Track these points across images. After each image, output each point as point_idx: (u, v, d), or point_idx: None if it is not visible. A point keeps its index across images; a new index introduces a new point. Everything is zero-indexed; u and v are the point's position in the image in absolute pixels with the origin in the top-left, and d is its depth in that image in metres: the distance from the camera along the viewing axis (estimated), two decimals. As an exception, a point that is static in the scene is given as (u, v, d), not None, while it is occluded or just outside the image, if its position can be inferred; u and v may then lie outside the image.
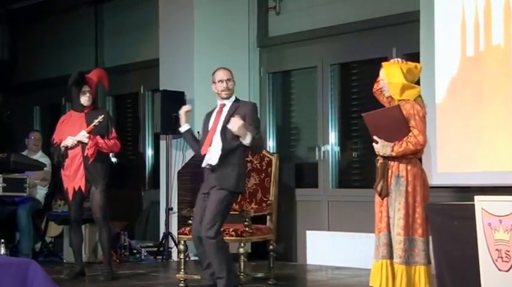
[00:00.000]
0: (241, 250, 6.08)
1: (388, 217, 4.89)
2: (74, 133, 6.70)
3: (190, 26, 8.36)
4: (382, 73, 5.06)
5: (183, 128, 5.85)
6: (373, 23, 7.64)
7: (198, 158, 7.82)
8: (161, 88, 8.41)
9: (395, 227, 4.85)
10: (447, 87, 6.64)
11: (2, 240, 6.06)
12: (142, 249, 8.42)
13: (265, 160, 6.77)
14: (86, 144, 6.66)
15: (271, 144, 8.63)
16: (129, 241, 8.46)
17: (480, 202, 4.39)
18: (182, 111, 5.84)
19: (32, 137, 8.69)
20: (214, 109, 5.81)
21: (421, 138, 4.82)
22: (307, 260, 7.87)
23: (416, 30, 6.95)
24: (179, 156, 8.34)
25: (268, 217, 6.51)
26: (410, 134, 4.82)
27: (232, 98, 5.75)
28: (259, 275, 6.61)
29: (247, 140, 5.48)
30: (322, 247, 7.77)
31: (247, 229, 6.15)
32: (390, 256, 4.91)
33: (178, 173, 8.13)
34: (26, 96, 11.30)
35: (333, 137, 8.04)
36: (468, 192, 6.23)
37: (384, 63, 5.10)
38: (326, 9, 8.10)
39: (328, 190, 8.01)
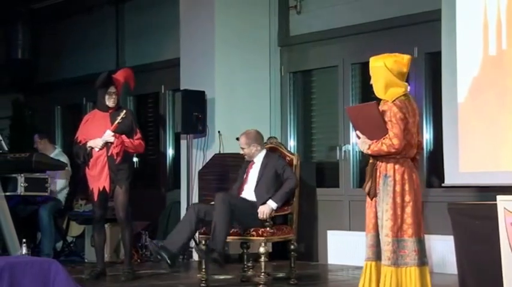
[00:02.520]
0: (263, 250, 6.11)
1: (376, 218, 4.78)
2: (99, 133, 6.71)
3: (211, 26, 8.38)
4: (370, 69, 4.86)
5: None
6: (395, 22, 7.63)
7: (219, 157, 7.90)
8: (182, 88, 8.42)
9: (383, 228, 4.72)
10: (469, 87, 6.60)
11: (24, 240, 6.09)
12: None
13: (286, 160, 6.76)
14: (112, 143, 6.67)
15: (292, 144, 8.63)
16: (150, 241, 8.47)
17: (502, 202, 4.35)
18: None
19: (37, 141, 8.63)
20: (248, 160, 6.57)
21: (395, 141, 4.65)
22: (328, 260, 7.87)
23: (437, 29, 6.92)
24: (200, 156, 8.36)
25: (289, 217, 6.50)
26: (387, 135, 4.69)
27: (261, 155, 6.48)
28: (281, 275, 6.62)
29: (275, 207, 6.26)
30: (343, 247, 7.76)
31: (268, 228, 6.18)
32: (376, 257, 4.78)
33: (199, 172, 8.14)
34: (48, 96, 11.33)
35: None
36: (490, 191, 6.19)
37: (371, 58, 4.90)
38: (347, 8, 8.09)
39: (349, 189, 8.01)
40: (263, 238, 6.14)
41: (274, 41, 8.70)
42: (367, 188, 4.79)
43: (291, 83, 8.71)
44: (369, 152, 4.73)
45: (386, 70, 4.71)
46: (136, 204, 8.09)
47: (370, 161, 4.82)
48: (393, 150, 4.66)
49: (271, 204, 6.22)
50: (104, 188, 6.71)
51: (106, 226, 7.38)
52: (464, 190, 6.67)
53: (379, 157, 4.74)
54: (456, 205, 5.26)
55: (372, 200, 4.79)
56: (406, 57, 4.84)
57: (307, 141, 8.66)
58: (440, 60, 6.95)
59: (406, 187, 4.71)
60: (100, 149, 6.70)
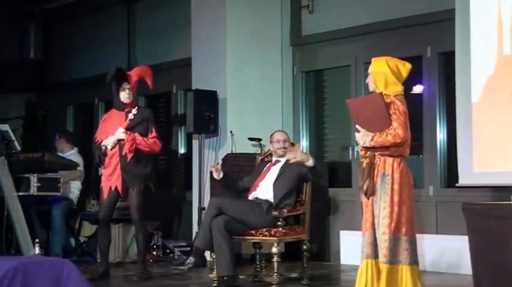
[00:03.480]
0: (275, 250, 6.12)
1: (373, 216, 4.83)
2: (114, 132, 6.70)
3: (222, 25, 8.37)
4: (370, 68, 4.97)
5: (220, 176, 6.51)
6: (408, 21, 7.60)
7: (231, 157, 7.89)
8: (193, 87, 8.41)
9: (380, 226, 4.78)
10: (483, 86, 6.57)
11: (37, 240, 6.11)
12: (176, 249, 8.45)
13: None
14: (123, 141, 6.65)
15: (304, 144, 8.61)
16: (163, 241, 8.50)
17: (517, 201, 4.34)
18: (214, 169, 6.53)
19: (57, 139, 8.65)
20: (269, 160, 6.61)
21: (400, 131, 4.71)
22: (341, 260, 7.84)
23: (451, 29, 6.89)
24: (211, 155, 8.34)
25: (301, 217, 6.50)
26: (391, 126, 4.73)
27: (285, 158, 6.41)
28: (293, 275, 6.58)
29: (310, 162, 6.19)
30: (356, 247, 7.61)
31: (280, 229, 6.18)
32: (375, 255, 4.84)
33: (210, 172, 8.09)
34: (60, 96, 11.36)
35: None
36: (505, 191, 6.17)
37: (373, 59, 5.02)
38: (359, 8, 8.07)
39: (361, 189, 7.98)
40: (276, 238, 6.14)
41: (286, 40, 8.69)
42: (365, 187, 4.83)
43: (303, 82, 8.68)
44: (372, 143, 4.76)
45: (388, 69, 4.84)
46: (147, 204, 8.09)
47: (366, 160, 4.84)
48: (399, 140, 4.72)
49: (310, 159, 6.20)
50: (116, 188, 6.69)
51: (117, 226, 7.37)
52: (478, 190, 6.65)
53: (378, 150, 4.77)
54: (470, 205, 5.24)
55: (368, 199, 4.84)
56: (407, 65, 4.97)
57: (320, 141, 8.64)
58: (453, 60, 6.92)
59: (403, 186, 4.78)
60: (112, 147, 6.69)
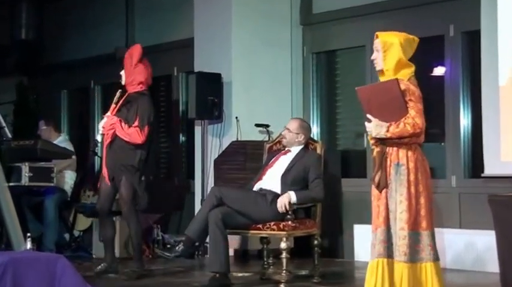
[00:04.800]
0: (284, 245, 6.09)
1: (387, 211, 4.70)
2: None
3: (227, 2, 8.34)
4: (377, 43, 4.83)
5: None
6: (428, -3, 7.58)
7: (236, 145, 7.85)
8: (196, 70, 8.39)
9: (397, 221, 4.65)
10: (511, 68, 6.54)
11: (29, 234, 6.04)
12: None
13: (309, 148, 6.70)
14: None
15: (315, 131, 8.57)
16: (163, 235, 8.47)
17: (548, 193, 4.32)
18: None
19: (43, 126, 8.63)
20: (279, 148, 6.65)
21: (418, 120, 4.62)
22: (355, 257, 7.82)
23: (476, 5, 6.84)
24: (215, 143, 8.32)
25: (312, 210, 6.49)
26: (408, 115, 4.63)
27: (299, 147, 6.49)
28: (303, 272, 6.57)
29: (293, 199, 6.16)
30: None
31: (289, 222, 6.14)
32: (388, 254, 4.69)
33: (214, 161, 8.10)
34: (53, 79, 11.39)
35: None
36: (535, 182, 6.19)
37: (379, 33, 4.89)
38: (375, -17, 8.02)
39: (377, 180, 7.92)
40: (284, 233, 6.12)
41: (296, 19, 8.65)
42: (376, 179, 4.72)
43: (314, 64, 8.65)
44: (388, 135, 4.63)
45: (400, 48, 4.73)
46: (147, 195, 7.99)
47: (377, 149, 4.73)
48: (418, 130, 4.62)
49: (292, 196, 6.17)
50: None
51: (115, 218, 7.30)
52: (506, 180, 6.63)
53: (393, 142, 4.65)
54: (497, 196, 5.23)
55: (381, 192, 4.73)
56: (416, 39, 4.88)
57: (332, 128, 8.61)
58: (479, 39, 6.87)
59: (419, 176, 4.68)
60: (102, 133, 6.68)
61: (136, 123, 6.60)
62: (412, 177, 4.65)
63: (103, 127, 6.64)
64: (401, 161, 4.66)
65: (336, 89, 8.59)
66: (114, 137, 6.60)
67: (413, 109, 4.62)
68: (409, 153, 4.67)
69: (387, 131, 4.61)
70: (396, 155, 4.68)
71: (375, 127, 4.66)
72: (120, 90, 6.71)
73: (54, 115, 10.57)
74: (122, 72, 6.76)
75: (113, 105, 6.64)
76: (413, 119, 4.60)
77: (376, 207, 4.77)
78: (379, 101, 4.64)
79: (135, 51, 6.83)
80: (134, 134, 6.58)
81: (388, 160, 4.70)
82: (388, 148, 4.70)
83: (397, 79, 4.66)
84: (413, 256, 4.62)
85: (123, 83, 6.76)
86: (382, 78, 4.82)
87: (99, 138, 6.74)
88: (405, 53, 4.74)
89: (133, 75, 6.74)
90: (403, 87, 4.65)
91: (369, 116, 4.69)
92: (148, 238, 8.21)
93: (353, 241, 7.86)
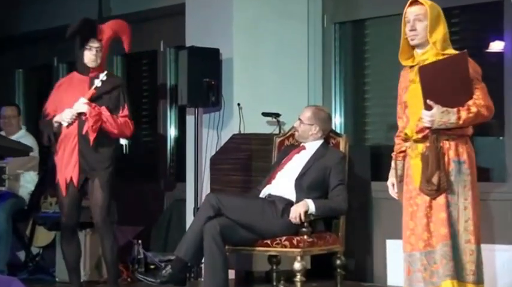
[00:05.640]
0: (298, 266, 6.12)
1: (450, 221, 4.78)
2: (73, 103, 6.67)
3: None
4: (420, 10, 4.96)
5: None
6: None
7: (239, 139, 7.87)
8: (188, 44, 8.41)
9: (463, 232, 4.77)
10: None
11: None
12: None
13: (331, 143, 6.75)
14: (85, 116, 6.62)
15: (337, 121, 8.61)
16: (145, 253, 8.50)
17: None
18: None
19: (4, 115, 8.73)
20: (293, 144, 6.82)
21: (489, 101, 4.76)
22: (387, 280, 7.79)
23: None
24: (213, 137, 8.35)
25: (334, 221, 6.55)
26: (476, 96, 4.73)
27: (317, 143, 6.56)
28: (322, 300, 6.69)
29: (312, 208, 6.24)
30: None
31: (305, 237, 6.16)
32: (458, 274, 4.76)
33: (211, 160, 8.13)
34: (6, 56, 11.41)
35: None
36: None
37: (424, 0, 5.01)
38: None
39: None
40: (299, 250, 6.15)
41: (314, -20, 8.69)
42: (435, 180, 4.75)
43: (337, 37, 8.67)
44: (460, 123, 4.69)
45: (444, 20, 4.90)
46: (125, 203, 7.99)
47: (428, 144, 4.77)
48: (492, 113, 4.78)
49: (310, 205, 6.21)
50: (71, 179, 6.69)
51: (84, 232, 7.35)
52: None
53: (449, 134, 4.74)
54: None
55: (435, 198, 4.77)
56: None
57: (359, 118, 8.63)
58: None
59: (475, 176, 4.83)
60: (69, 124, 6.66)
61: (126, 111, 6.74)
62: (473, 177, 4.80)
63: (86, 117, 6.61)
64: (462, 158, 4.79)
65: (365, 67, 8.57)
66: (101, 131, 6.65)
67: (480, 90, 4.75)
68: (468, 147, 4.81)
69: (458, 118, 4.68)
70: (455, 151, 4.78)
71: (439, 115, 4.71)
72: (106, 72, 6.74)
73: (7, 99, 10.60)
74: (96, 47, 6.78)
75: (93, 91, 6.66)
76: (484, 100, 4.73)
77: (423, 218, 4.82)
78: (444, 81, 4.71)
79: (117, 27, 6.92)
80: (125, 125, 6.73)
81: (446, 156, 4.79)
82: (443, 141, 4.78)
83: (465, 52, 4.75)
84: (479, 277, 4.76)
85: (95, 64, 6.78)
86: (422, 56, 4.92)
87: (64, 124, 6.69)
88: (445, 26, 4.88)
89: (105, 54, 6.85)
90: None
91: (430, 102, 4.73)
92: (127, 257, 8.25)
93: (385, 260, 7.81)
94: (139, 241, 8.51)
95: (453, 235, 4.77)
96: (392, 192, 5.19)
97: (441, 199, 4.77)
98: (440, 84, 4.72)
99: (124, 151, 10.03)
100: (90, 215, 6.99)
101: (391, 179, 5.21)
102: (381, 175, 8.04)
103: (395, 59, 8.03)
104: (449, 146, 4.79)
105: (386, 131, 8.32)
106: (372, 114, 8.55)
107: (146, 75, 10.14)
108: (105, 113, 6.67)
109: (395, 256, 7.73)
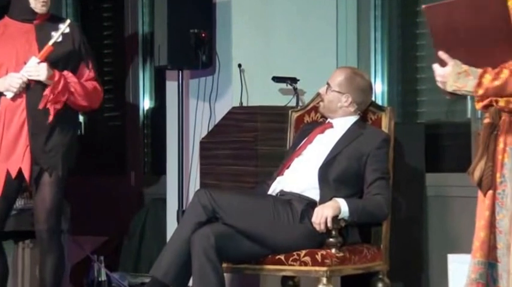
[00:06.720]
0: None
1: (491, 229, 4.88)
2: (14, 63, 6.74)
3: None
4: None
5: None
6: None
7: (240, 114, 7.82)
8: (166, -20, 8.51)
9: None
10: None
11: None
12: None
13: (369, 120, 6.83)
14: (43, 86, 6.65)
15: (379, 89, 8.68)
16: (109, 274, 8.56)
17: None
18: None
19: None
20: (316, 121, 6.95)
21: None
22: (448, 308, 7.89)
23: None
24: (203, 111, 8.42)
25: (373, 229, 6.69)
26: None
27: (350, 119, 6.64)
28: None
29: (344, 212, 6.26)
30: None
31: (333, 250, 6.21)
32: None
33: (201, 143, 8.16)
34: None
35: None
36: None
37: None
38: None
39: (489, 176, 7.94)
40: (325, 268, 6.19)
41: None
42: (477, 173, 4.84)
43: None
44: (479, 91, 4.57)
45: None
46: (81, 205, 7.96)
47: (485, 121, 4.80)
48: None
49: (342, 205, 6.22)
50: (19, 172, 6.73)
51: (21, 245, 7.40)
52: None
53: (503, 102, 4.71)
54: None
55: (484, 194, 4.86)
56: None
57: (409, 86, 8.73)
58: None
59: None
60: (16, 95, 6.68)
61: (93, 72, 6.90)
62: None
63: (48, 87, 6.64)
64: None
65: (417, 24, 8.65)
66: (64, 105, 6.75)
67: None
68: None
69: (479, 83, 4.57)
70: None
71: (454, 76, 4.62)
72: (68, 20, 6.79)
73: None
74: None
75: (49, 47, 6.68)
76: None
77: (481, 219, 4.92)
78: (466, 28, 4.58)
79: None
80: (95, 92, 6.89)
81: (499, 140, 4.76)
82: (503, 119, 4.74)
83: None
84: None
85: (46, 9, 6.81)
86: None
87: (9, 95, 6.73)
88: None
89: None
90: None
91: (441, 54, 4.64)
92: (83, 280, 8.46)
93: (446, 280, 7.76)
94: (101, 257, 8.61)
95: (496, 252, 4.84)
96: None
97: (487, 198, 4.85)
98: (461, 31, 4.60)
99: (78, 132, 10.04)
100: (31, 222, 7.07)
101: None
102: (440, 164, 8.26)
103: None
104: (503, 128, 4.75)
105: (448, 104, 8.46)
106: (427, 81, 8.56)
107: (109, 23, 10.16)
108: (72, 79, 6.73)
109: (458, 276, 7.76)
